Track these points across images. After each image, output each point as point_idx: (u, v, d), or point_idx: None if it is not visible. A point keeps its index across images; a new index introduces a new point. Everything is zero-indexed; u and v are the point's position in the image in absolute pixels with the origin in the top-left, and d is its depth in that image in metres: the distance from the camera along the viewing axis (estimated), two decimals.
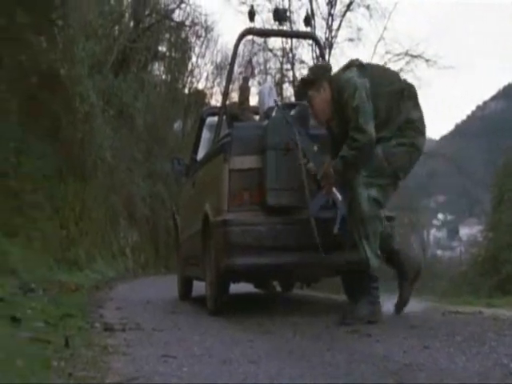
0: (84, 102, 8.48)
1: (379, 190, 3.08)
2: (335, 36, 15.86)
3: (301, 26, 15.03)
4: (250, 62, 16.48)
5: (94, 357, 2.27)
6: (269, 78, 16.14)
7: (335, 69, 3.40)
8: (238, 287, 4.55)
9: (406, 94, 3.12)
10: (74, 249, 8.60)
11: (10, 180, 6.25)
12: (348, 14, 15.88)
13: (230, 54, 16.01)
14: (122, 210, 13.12)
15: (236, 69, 14.07)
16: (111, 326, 3.12)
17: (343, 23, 15.88)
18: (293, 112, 3.56)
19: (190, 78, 20.51)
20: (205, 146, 4.90)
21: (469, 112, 68.06)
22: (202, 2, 31.45)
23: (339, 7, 15.83)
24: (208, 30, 19.71)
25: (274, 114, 3.65)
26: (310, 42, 14.35)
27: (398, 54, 16.25)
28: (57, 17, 6.98)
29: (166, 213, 14.67)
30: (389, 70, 3.44)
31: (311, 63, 15.71)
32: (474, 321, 3.17)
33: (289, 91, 15.91)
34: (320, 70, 3.34)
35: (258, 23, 13.87)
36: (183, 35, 18.93)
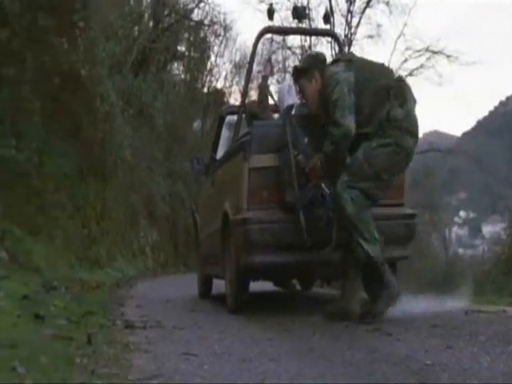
0: (104, 102, 8.57)
1: (362, 193, 3.07)
2: (354, 33, 15.79)
3: (320, 24, 14.98)
4: (269, 60, 16.47)
5: (116, 354, 2.29)
6: (288, 76, 16.11)
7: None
8: (258, 286, 4.56)
9: (392, 91, 3.05)
10: (95, 247, 8.70)
11: (32, 180, 6.34)
12: (367, 10, 15.80)
13: (248, 52, 16.02)
14: (141, 209, 13.23)
15: (255, 67, 14.05)
16: (132, 323, 3.15)
17: (362, 20, 15.81)
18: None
19: (208, 77, 20.60)
20: (224, 144, 4.91)
21: (491, 108, 67.02)
22: (220, 1, 31.51)
23: (358, 4, 15.76)
24: (227, 28, 19.75)
25: (293, 112, 3.64)
26: (330, 39, 14.32)
27: (418, 50, 16.11)
28: (78, 19, 7.07)
29: (186, 212, 14.74)
30: (379, 66, 3.30)
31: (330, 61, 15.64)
32: (497, 320, 3.13)
33: None
34: (312, 60, 3.37)
35: (277, 21, 13.84)
36: (202, 34, 18.99)
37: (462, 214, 48.97)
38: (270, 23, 4.31)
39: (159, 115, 14.50)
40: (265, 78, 5.48)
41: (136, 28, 15.17)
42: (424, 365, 2.06)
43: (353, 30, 15.72)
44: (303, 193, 3.26)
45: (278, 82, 15.44)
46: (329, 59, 3.43)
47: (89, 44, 7.65)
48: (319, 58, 3.38)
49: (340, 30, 15.31)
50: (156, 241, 14.09)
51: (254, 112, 4.26)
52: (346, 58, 3.19)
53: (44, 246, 6.22)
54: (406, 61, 16.32)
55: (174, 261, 15.18)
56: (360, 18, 15.79)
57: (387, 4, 15.70)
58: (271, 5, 4.91)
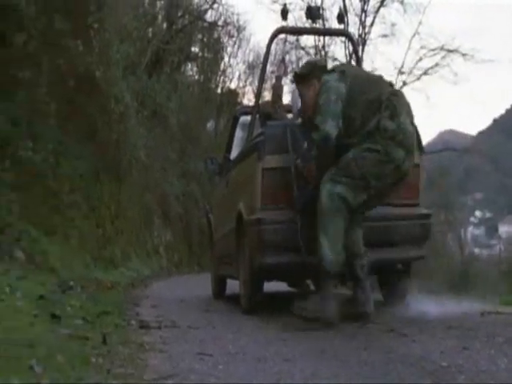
0: (119, 103, 8.63)
1: (345, 187, 3.04)
2: (369, 32, 15.71)
3: (333, 23, 14.94)
4: (282, 60, 16.46)
5: (131, 354, 2.30)
6: None
7: (366, 65, 3.40)
8: (272, 286, 4.55)
9: (384, 104, 3.02)
10: (109, 247, 8.77)
11: (48, 180, 6.41)
12: (382, 9, 15.71)
13: (262, 53, 16.02)
14: (156, 209, 13.30)
15: (268, 68, 14.06)
16: (147, 323, 3.17)
17: (377, 19, 15.72)
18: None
19: (222, 78, 20.64)
20: (238, 145, 4.92)
21: (508, 106, 66.13)
22: (234, 2, 31.55)
23: (372, 3, 15.68)
24: (240, 29, 19.78)
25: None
26: (343, 38, 14.26)
27: (433, 49, 15.96)
28: (93, 21, 7.13)
29: (199, 212, 14.79)
30: (375, 79, 3.27)
31: (344, 60, 15.59)
32: None
33: None
34: (311, 67, 3.40)
35: (291, 21, 13.81)
36: (215, 35, 19.04)
37: (478, 213, 48.44)
38: (284, 23, 4.31)
39: (173, 116, 14.56)
40: (278, 79, 5.47)
41: (150, 29, 15.25)
42: (440, 366, 2.05)
43: (367, 30, 15.64)
44: (301, 196, 3.30)
45: (291, 82, 15.41)
46: (343, 59, 3.44)
47: (103, 46, 7.71)
48: (318, 65, 3.42)
49: (354, 29, 15.25)
50: (170, 241, 14.15)
51: (267, 112, 4.26)
52: (339, 69, 3.21)
53: (60, 246, 6.28)
54: (420, 60, 16.20)
55: (188, 261, 15.23)
56: (374, 18, 15.71)
57: (401, 3, 15.60)
58: (285, 5, 4.90)
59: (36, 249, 5.29)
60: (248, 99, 20.47)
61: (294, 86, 4.87)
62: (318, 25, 9.17)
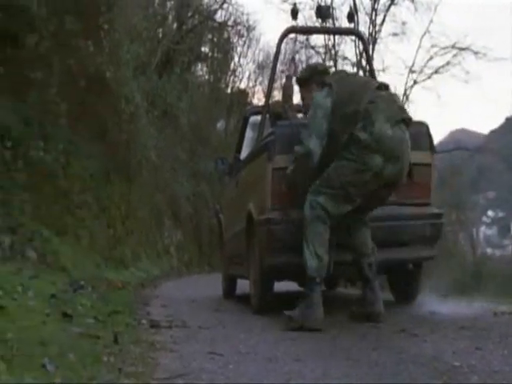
0: (129, 103, 8.67)
1: (326, 197, 3.07)
2: (379, 31, 15.63)
3: (344, 22, 14.90)
4: (292, 60, 16.43)
5: (142, 353, 2.31)
6: None
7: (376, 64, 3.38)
8: (282, 286, 4.55)
9: (359, 116, 3.00)
10: (120, 247, 8.81)
11: (59, 181, 6.45)
12: (392, 8, 15.62)
13: (272, 52, 16.03)
14: (166, 209, 13.34)
15: (278, 67, 14.05)
16: (158, 323, 3.18)
17: (387, 18, 15.63)
18: None
19: (232, 78, 20.65)
20: (248, 145, 4.92)
21: None
22: (244, 2, 31.57)
23: (383, 1, 15.60)
24: (250, 29, 19.78)
25: None
26: (354, 37, 14.21)
27: (444, 48, 15.86)
28: (103, 21, 7.17)
29: (209, 212, 14.81)
30: (358, 87, 3.17)
31: (354, 59, 15.55)
32: None
33: None
34: (311, 71, 3.49)
35: (300, 21, 13.78)
36: (225, 35, 19.05)
37: (491, 213, 48.01)
38: (294, 23, 4.30)
39: (183, 116, 14.60)
40: (288, 78, 5.45)
41: (160, 30, 15.31)
42: (452, 366, 2.03)
43: (377, 28, 15.57)
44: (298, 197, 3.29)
45: None
46: (353, 58, 3.44)
47: (114, 46, 7.75)
48: (318, 69, 3.47)
49: (364, 28, 15.18)
50: (180, 241, 14.18)
51: (277, 112, 4.25)
52: (328, 83, 3.21)
53: (71, 246, 6.32)
54: (431, 58, 16.10)
55: (198, 261, 15.26)
56: (384, 16, 15.63)
57: (412, 1, 15.50)
58: (295, 4, 4.89)
59: (48, 249, 5.33)
60: (258, 99, 20.49)
61: None
62: (328, 24, 9.11)
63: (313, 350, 2.46)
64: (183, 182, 14.70)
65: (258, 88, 21.28)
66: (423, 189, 3.56)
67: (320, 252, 3.05)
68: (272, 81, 4.51)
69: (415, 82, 16.25)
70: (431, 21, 16.99)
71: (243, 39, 20.15)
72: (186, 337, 2.80)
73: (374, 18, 15.52)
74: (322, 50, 15.97)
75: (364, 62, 14.44)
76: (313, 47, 16.09)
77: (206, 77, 19.86)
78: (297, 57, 16.73)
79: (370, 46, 14.79)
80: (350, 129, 3.00)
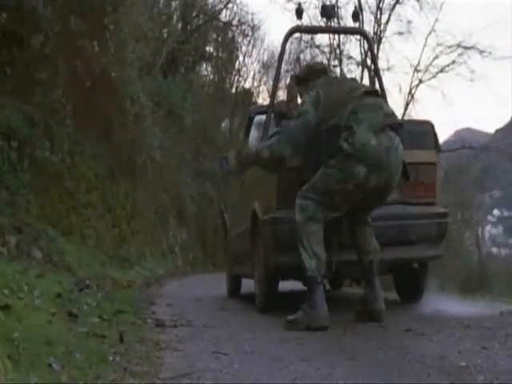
0: (134, 103, 8.68)
1: (313, 202, 3.09)
2: (384, 30, 15.62)
3: (348, 22, 14.88)
4: (297, 59, 16.42)
5: (147, 352, 2.32)
6: None
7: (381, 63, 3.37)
8: (287, 285, 4.55)
9: (341, 128, 3.00)
10: (125, 246, 8.84)
11: (65, 181, 6.48)
12: (397, 6, 15.60)
13: (276, 52, 15.99)
14: (171, 208, 13.36)
15: (283, 67, 14.04)
16: (163, 322, 3.19)
17: (392, 16, 15.62)
18: None
19: (237, 78, 20.64)
20: (253, 144, 4.91)
21: None
22: (248, 1, 31.50)
23: (388, 0, 15.58)
24: (255, 28, 19.73)
25: None
26: (359, 37, 14.18)
27: (450, 46, 15.81)
28: (109, 22, 7.17)
29: (214, 211, 14.81)
30: (342, 99, 3.13)
31: (359, 59, 15.53)
32: None
33: None
34: (309, 70, 3.51)
35: (305, 20, 13.75)
36: (230, 35, 19.04)
37: (496, 212, 47.79)
38: (299, 22, 4.29)
39: (188, 116, 14.59)
40: (293, 78, 5.45)
41: (165, 30, 15.31)
42: (458, 366, 2.03)
43: (382, 27, 15.55)
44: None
45: None
46: (358, 57, 3.44)
47: (119, 46, 7.76)
48: (315, 69, 3.50)
49: (369, 27, 15.17)
50: (185, 240, 14.20)
51: (282, 112, 4.25)
52: (316, 90, 3.22)
53: (76, 246, 6.35)
54: (437, 57, 16.06)
55: (203, 260, 15.28)
56: (390, 15, 15.61)
57: (417, 0, 15.47)
58: (300, 4, 4.89)
59: (53, 248, 5.35)
60: (263, 98, 20.47)
61: None
62: (333, 23, 9.09)
63: (318, 349, 2.46)
64: (188, 181, 14.71)
65: (263, 88, 21.27)
66: (428, 188, 3.55)
67: (317, 250, 3.07)
68: (277, 80, 4.51)
69: (420, 81, 16.23)
70: (437, 19, 16.87)
71: (248, 39, 20.14)
72: (191, 336, 2.80)
73: (379, 16, 15.51)
74: (326, 50, 15.98)
75: (369, 61, 14.43)
76: (318, 46, 16.10)
77: (211, 76, 19.86)
78: (302, 56, 16.73)
79: (375, 45, 14.76)
80: (335, 139, 3.02)
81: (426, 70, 16.16)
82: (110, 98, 7.58)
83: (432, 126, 3.66)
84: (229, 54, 19.57)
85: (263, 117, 4.36)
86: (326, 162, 3.06)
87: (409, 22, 15.73)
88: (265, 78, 21.27)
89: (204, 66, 19.35)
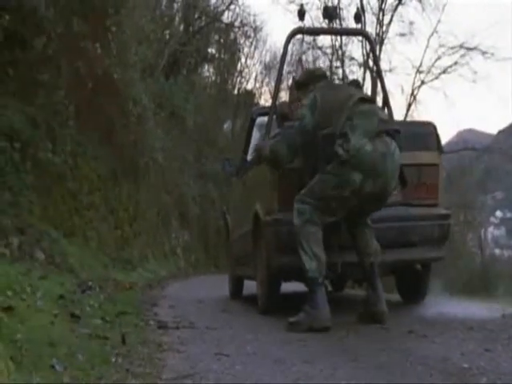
0: (137, 104, 8.69)
1: (310, 207, 3.10)
2: (386, 31, 15.60)
3: (351, 23, 14.88)
4: (299, 60, 16.42)
5: (150, 354, 2.32)
6: None
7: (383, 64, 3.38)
8: (290, 287, 4.55)
9: (336, 136, 3.01)
10: (127, 248, 8.85)
11: (68, 182, 6.48)
12: (399, 8, 15.57)
13: (278, 53, 16.04)
14: (173, 210, 13.37)
15: (285, 68, 14.04)
16: (165, 323, 3.18)
17: (394, 18, 15.59)
18: None
19: (239, 79, 20.66)
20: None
21: None
22: (250, 3, 31.54)
23: (390, 1, 15.56)
24: (257, 30, 19.76)
25: None
26: (361, 38, 14.18)
27: (452, 47, 15.78)
28: (111, 23, 7.19)
29: (216, 213, 14.83)
30: (338, 106, 3.12)
31: (361, 60, 15.53)
32: None
33: None
34: (309, 75, 3.53)
35: (307, 21, 13.78)
36: (232, 36, 19.07)
37: (499, 213, 47.70)
38: (301, 24, 4.30)
39: (190, 117, 14.61)
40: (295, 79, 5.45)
41: (167, 31, 15.34)
42: (461, 368, 2.03)
43: (384, 29, 15.53)
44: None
45: None
46: (360, 59, 3.45)
47: (121, 48, 7.77)
48: (315, 74, 3.52)
49: (371, 28, 15.14)
50: (187, 242, 14.21)
51: (284, 113, 4.25)
52: (313, 96, 3.23)
53: (79, 247, 6.36)
54: (439, 58, 16.04)
55: (205, 262, 15.28)
56: (392, 16, 15.58)
57: (420, 1, 15.45)
58: (302, 5, 4.89)
59: (56, 250, 5.36)
60: (265, 100, 20.50)
61: None
62: (335, 24, 9.10)
63: (320, 351, 2.45)
64: (190, 183, 14.72)
65: (265, 89, 21.29)
66: (431, 189, 3.55)
67: (317, 251, 3.07)
68: (279, 82, 4.51)
69: (423, 83, 16.21)
70: (439, 20, 16.87)
71: (250, 40, 20.17)
72: (193, 337, 2.80)
73: (381, 18, 15.50)
74: (329, 51, 15.97)
75: (371, 63, 14.43)
76: (320, 48, 16.09)
77: (213, 78, 19.89)
78: (304, 58, 16.73)
79: (377, 47, 14.75)
80: (331, 146, 3.03)
81: (429, 71, 16.15)
82: (113, 99, 7.59)
83: (434, 128, 3.66)
84: (231, 55, 19.59)
85: (265, 118, 4.36)
86: (322, 168, 3.08)
87: (411, 23, 15.73)
88: (267, 80, 21.32)
89: (206, 67, 19.39)
